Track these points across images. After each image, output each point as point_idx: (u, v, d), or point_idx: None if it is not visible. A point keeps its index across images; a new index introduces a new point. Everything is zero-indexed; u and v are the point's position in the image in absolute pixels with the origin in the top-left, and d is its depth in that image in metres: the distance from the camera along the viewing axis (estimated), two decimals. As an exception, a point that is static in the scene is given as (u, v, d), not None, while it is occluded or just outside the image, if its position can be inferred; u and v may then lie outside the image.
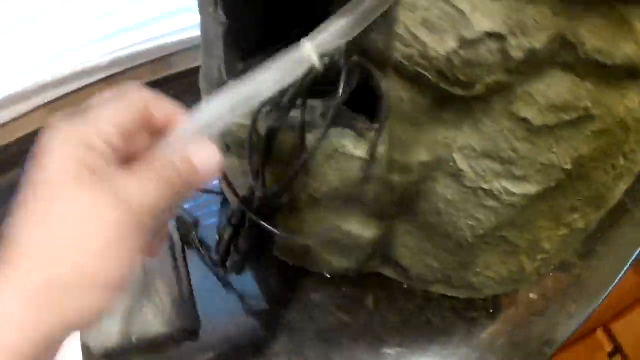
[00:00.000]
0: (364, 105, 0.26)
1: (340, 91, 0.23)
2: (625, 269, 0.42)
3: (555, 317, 0.40)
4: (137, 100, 0.20)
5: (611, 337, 0.61)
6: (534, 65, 0.22)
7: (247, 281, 0.44)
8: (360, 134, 0.26)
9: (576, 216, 0.30)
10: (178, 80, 0.65)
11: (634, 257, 0.44)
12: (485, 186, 0.28)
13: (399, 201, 0.30)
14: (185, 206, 0.46)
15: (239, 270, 0.40)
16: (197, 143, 0.20)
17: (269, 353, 0.39)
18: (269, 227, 0.30)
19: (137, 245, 0.18)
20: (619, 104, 0.23)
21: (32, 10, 0.55)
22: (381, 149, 0.26)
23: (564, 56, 0.22)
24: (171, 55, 0.65)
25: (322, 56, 0.20)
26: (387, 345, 0.39)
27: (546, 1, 0.19)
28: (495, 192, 0.28)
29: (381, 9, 0.21)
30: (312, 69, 0.20)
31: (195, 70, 0.68)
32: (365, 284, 0.41)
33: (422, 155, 0.26)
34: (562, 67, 0.22)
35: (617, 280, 0.42)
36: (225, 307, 0.43)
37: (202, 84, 0.29)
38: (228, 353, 0.40)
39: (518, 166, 0.26)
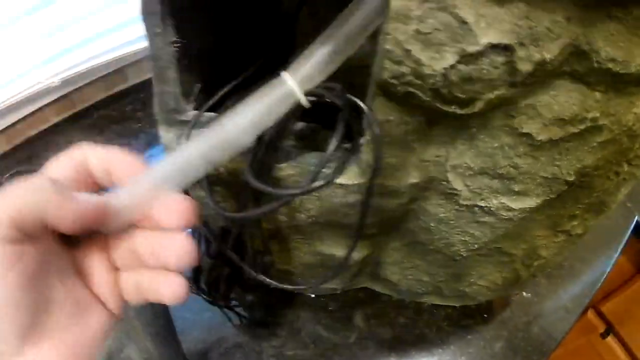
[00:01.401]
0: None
1: (335, 140, 0.20)
2: (615, 256, 0.42)
3: (551, 314, 0.39)
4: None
5: (602, 317, 0.62)
6: (540, 77, 0.19)
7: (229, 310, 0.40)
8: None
9: (575, 223, 0.28)
10: (135, 93, 0.62)
11: (623, 244, 0.43)
12: (481, 203, 0.25)
13: (386, 222, 0.27)
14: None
15: (227, 300, 0.37)
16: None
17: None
18: (245, 267, 0.26)
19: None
20: (628, 113, 0.21)
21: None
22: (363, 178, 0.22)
23: (574, 65, 0.19)
24: (125, 67, 0.62)
25: (306, 92, 0.17)
26: (381, 363, 0.37)
27: (562, 5, 0.16)
28: (493, 209, 0.25)
29: (367, 32, 0.18)
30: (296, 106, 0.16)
31: (150, 82, 0.65)
32: (352, 300, 0.39)
33: (411, 177, 0.23)
34: (571, 76, 0.19)
35: (609, 268, 0.41)
36: (209, 334, 0.39)
37: (159, 115, 0.25)
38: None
39: (517, 182, 0.24)
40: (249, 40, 0.29)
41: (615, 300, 0.60)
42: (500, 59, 0.17)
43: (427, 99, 0.19)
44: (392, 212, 0.26)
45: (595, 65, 0.18)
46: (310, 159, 0.23)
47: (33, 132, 0.60)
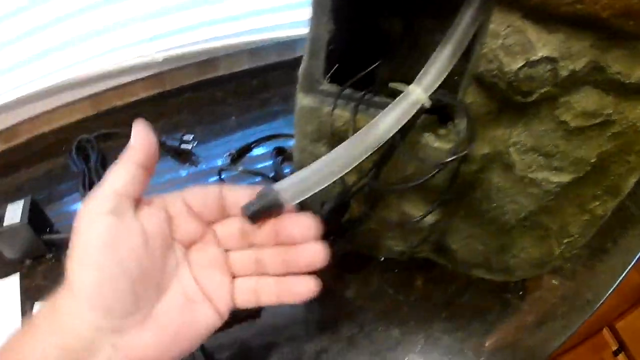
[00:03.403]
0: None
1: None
2: (633, 262, 0.50)
3: (574, 301, 0.47)
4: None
5: (616, 335, 0.67)
6: (573, 82, 0.30)
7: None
8: (437, 134, 0.35)
9: (597, 203, 0.38)
10: (223, 83, 0.71)
11: (639, 254, 0.52)
12: (531, 175, 0.36)
13: (459, 188, 0.38)
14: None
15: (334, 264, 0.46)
16: None
17: (332, 330, 0.45)
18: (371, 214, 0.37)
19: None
20: (632, 112, 0.32)
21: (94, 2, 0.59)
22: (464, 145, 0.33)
23: (594, 76, 0.30)
24: (217, 58, 0.70)
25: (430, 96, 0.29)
26: (437, 321, 0.45)
27: (586, 37, 0.28)
28: (538, 181, 0.36)
29: (467, 40, 0.30)
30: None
31: (239, 75, 0.75)
32: (414, 267, 0.48)
33: (484, 148, 0.35)
34: (593, 84, 0.31)
35: (626, 272, 0.49)
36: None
37: (302, 83, 0.37)
38: (292, 332, 0.45)
39: (556, 159, 0.35)
40: (364, 46, 0.42)
41: (629, 318, 0.66)
42: (549, 66, 0.29)
43: (504, 88, 0.30)
44: (465, 176, 0.37)
45: (608, 76, 0.30)
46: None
47: (119, 102, 0.66)
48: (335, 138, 0.37)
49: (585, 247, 0.51)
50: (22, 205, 0.48)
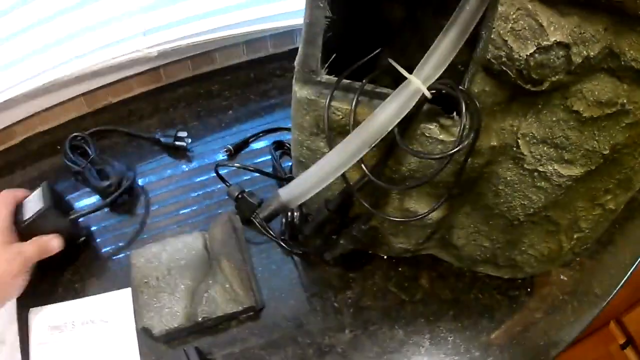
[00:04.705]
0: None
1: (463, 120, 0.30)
2: (640, 256, 0.49)
3: (583, 296, 0.46)
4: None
5: (623, 328, 0.66)
6: (586, 69, 0.29)
7: (308, 262, 0.49)
8: (442, 126, 0.33)
9: (609, 197, 0.36)
10: (220, 76, 0.70)
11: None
12: (540, 168, 0.34)
13: (465, 183, 0.36)
14: (247, 189, 0.51)
15: (338, 262, 0.45)
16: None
17: (335, 330, 0.44)
18: (375, 211, 0.35)
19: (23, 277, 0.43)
20: (647, 101, 0.30)
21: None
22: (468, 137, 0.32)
23: (609, 63, 0.29)
24: (214, 51, 0.69)
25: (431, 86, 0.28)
26: (443, 320, 0.44)
27: (601, 20, 0.26)
28: (548, 174, 0.34)
29: (465, 37, 0.28)
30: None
31: (236, 67, 0.74)
32: (418, 264, 0.47)
33: (492, 140, 0.33)
34: (607, 71, 0.29)
35: (634, 266, 0.48)
36: (288, 287, 0.47)
37: (298, 73, 0.35)
38: (294, 332, 0.44)
39: (567, 151, 0.33)
40: (363, 35, 0.40)
41: (637, 312, 0.64)
42: (561, 52, 0.28)
43: (513, 76, 0.29)
44: (472, 171, 0.35)
45: (623, 63, 0.28)
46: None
47: (114, 99, 0.66)
48: (334, 132, 0.35)
49: (594, 241, 0.50)
50: (40, 192, 0.47)
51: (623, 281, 0.47)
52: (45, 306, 0.46)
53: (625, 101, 0.30)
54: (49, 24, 0.57)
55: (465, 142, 0.30)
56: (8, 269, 0.41)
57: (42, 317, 0.45)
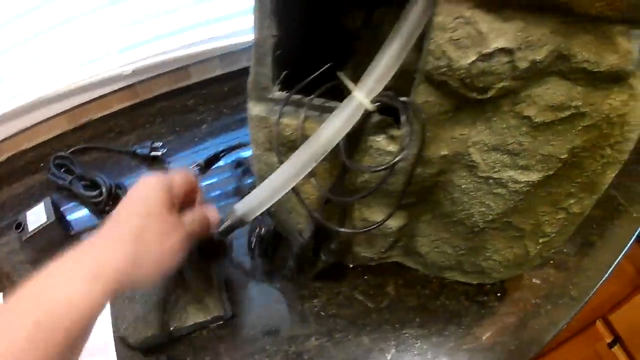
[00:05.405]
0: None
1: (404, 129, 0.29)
2: (620, 257, 0.47)
3: (558, 299, 0.45)
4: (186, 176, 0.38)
5: (610, 327, 0.65)
6: (535, 73, 0.27)
7: (276, 273, 0.48)
8: (391, 137, 0.31)
9: (572, 201, 0.35)
10: (196, 90, 0.72)
11: (627, 247, 0.49)
12: (495, 175, 0.32)
13: (420, 191, 0.35)
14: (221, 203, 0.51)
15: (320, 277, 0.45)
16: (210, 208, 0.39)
17: (302, 338, 0.43)
18: (342, 230, 0.35)
19: (183, 250, 0.35)
20: (604, 103, 0.28)
21: (57, 19, 0.60)
22: (409, 147, 0.30)
23: (559, 66, 0.27)
24: (190, 66, 0.71)
25: (373, 100, 0.26)
26: (409, 327, 0.43)
27: (547, 23, 0.24)
28: (504, 181, 0.33)
29: (410, 45, 0.27)
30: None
31: (212, 81, 0.74)
32: (385, 272, 0.46)
33: (442, 150, 0.31)
34: (558, 74, 0.27)
35: (613, 267, 0.46)
36: (256, 297, 0.47)
37: (251, 91, 0.34)
38: (262, 343, 0.43)
39: (522, 157, 0.31)
40: (320, 46, 0.39)
41: (623, 310, 0.63)
42: (505, 58, 0.26)
43: (456, 86, 0.27)
44: (425, 181, 0.33)
45: (574, 65, 0.26)
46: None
47: (94, 116, 0.68)
48: (284, 147, 0.34)
49: (570, 242, 0.48)
50: (43, 207, 0.48)
51: (601, 282, 0.46)
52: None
53: (580, 104, 0.28)
54: (28, 44, 0.58)
55: (404, 153, 0.29)
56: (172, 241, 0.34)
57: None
